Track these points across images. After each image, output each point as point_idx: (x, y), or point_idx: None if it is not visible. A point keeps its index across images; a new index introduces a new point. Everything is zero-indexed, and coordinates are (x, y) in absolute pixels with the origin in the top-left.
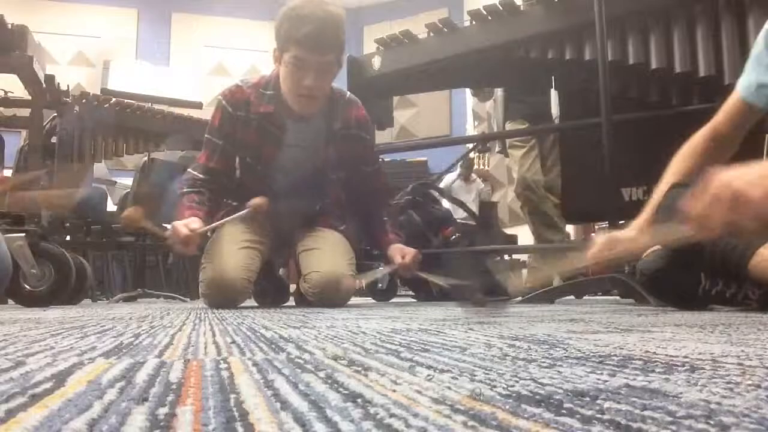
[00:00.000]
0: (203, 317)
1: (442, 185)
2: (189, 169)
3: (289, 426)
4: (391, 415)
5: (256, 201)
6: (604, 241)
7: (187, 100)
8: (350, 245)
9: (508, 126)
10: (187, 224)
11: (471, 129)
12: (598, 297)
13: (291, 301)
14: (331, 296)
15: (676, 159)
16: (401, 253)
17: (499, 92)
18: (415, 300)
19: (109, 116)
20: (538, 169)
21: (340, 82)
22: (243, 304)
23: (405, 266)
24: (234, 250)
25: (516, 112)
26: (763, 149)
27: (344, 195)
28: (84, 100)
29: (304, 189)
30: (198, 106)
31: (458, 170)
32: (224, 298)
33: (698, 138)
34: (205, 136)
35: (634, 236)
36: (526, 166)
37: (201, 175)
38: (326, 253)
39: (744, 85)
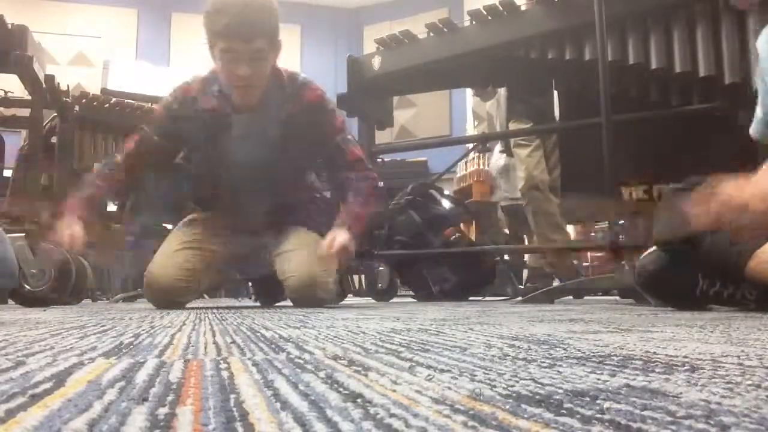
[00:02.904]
0: (203, 317)
1: (492, 162)
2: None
3: (289, 426)
4: (391, 415)
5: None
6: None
7: None
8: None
9: (512, 125)
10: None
11: (471, 129)
12: (598, 297)
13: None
14: (310, 298)
15: None
16: (332, 235)
17: (502, 92)
18: (415, 300)
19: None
20: (544, 168)
21: (340, 83)
22: (242, 304)
23: (321, 255)
24: (170, 252)
25: (520, 112)
26: None
27: (317, 183)
28: (84, 100)
29: (261, 182)
30: None
31: (499, 147)
32: (159, 298)
33: None
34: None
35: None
36: (533, 165)
37: (118, 157)
38: (302, 255)
39: None
